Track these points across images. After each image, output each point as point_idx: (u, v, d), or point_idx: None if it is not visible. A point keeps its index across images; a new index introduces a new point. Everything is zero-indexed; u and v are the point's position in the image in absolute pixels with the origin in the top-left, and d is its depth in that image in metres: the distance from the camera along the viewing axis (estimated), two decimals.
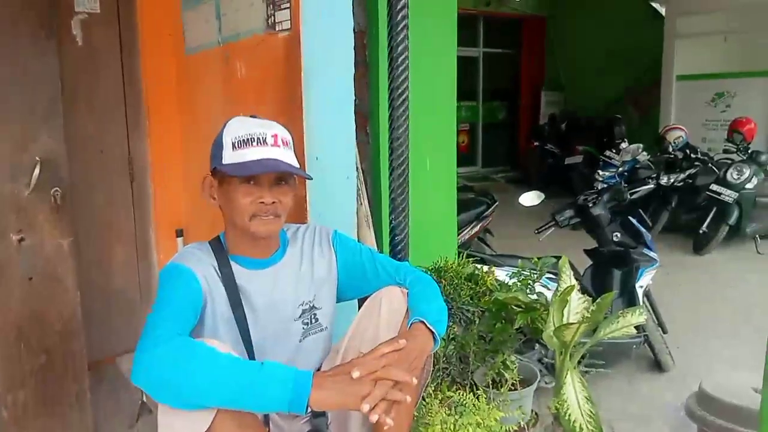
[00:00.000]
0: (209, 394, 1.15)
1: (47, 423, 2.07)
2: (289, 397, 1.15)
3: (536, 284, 2.23)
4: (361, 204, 2.19)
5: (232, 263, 1.48)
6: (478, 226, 4.09)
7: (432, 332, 1.41)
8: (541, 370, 2.67)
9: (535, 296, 2.15)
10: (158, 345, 1.18)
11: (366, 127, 2.41)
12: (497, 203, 4.28)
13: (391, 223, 1.94)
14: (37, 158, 1.96)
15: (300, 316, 1.54)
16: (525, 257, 3.09)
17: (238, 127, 1.43)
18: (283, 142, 1.44)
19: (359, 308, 2.01)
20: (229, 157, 1.40)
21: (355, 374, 1.20)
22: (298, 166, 1.46)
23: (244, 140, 1.40)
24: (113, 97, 2.36)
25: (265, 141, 1.41)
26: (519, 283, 2.16)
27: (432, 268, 2.25)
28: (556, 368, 2.02)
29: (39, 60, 1.94)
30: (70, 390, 2.10)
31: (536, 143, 9.02)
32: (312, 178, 1.50)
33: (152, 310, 1.32)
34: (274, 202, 1.42)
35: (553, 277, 2.45)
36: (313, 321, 1.56)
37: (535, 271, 2.25)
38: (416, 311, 1.44)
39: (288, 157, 1.44)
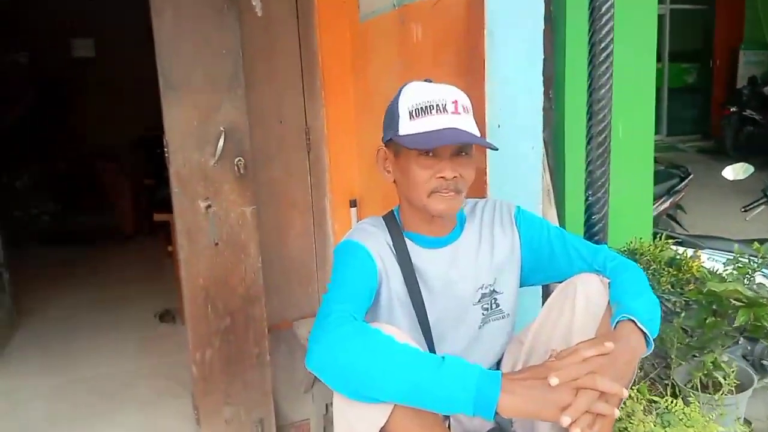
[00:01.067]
0: (384, 387, 1.05)
1: (230, 381, 2.16)
2: (473, 400, 1.01)
3: (756, 274, 1.87)
4: (542, 177, 1.99)
5: (407, 240, 1.38)
6: (668, 202, 3.68)
7: (644, 333, 1.18)
8: (742, 367, 2.32)
9: (755, 288, 1.81)
10: (333, 330, 1.10)
11: (548, 91, 2.18)
12: (692, 176, 3.81)
13: (587, 199, 1.71)
14: (222, 128, 2.02)
15: (479, 301, 1.40)
16: (732, 239, 2.69)
17: (414, 93, 1.30)
18: (464, 109, 1.29)
19: (543, 295, 1.84)
20: (406, 127, 1.28)
21: (554, 381, 1.03)
22: (479, 134, 1.30)
23: (421, 108, 1.27)
24: (291, 68, 2.37)
25: (445, 108, 1.27)
26: (735, 272, 1.82)
27: (625, 251, 1.99)
28: None
29: (221, 31, 1.97)
30: (251, 352, 2.18)
31: (733, 109, 8.03)
32: (498, 149, 1.33)
33: (327, 290, 1.25)
34: (455, 177, 1.27)
35: None
36: (494, 306, 1.41)
37: (755, 259, 1.89)
38: (623, 307, 1.21)
39: (470, 125, 1.28)
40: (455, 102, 1.28)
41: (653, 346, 1.20)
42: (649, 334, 1.18)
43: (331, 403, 1.95)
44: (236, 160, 2.06)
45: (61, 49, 6.59)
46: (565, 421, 1.00)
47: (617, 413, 1.04)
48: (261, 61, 2.29)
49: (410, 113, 1.27)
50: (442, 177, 1.27)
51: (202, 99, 1.99)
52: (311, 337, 1.12)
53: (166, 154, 2.01)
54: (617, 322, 1.19)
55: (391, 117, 1.32)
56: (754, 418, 2.01)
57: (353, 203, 2.47)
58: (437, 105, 1.27)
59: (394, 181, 1.38)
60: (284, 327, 2.47)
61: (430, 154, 1.27)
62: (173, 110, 1.98)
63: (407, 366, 1.04)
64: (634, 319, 1.18)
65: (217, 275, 2.10)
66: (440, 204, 1.29)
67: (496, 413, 1.02)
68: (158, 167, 2.02)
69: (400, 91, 1.33)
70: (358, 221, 2.46)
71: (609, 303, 1.28)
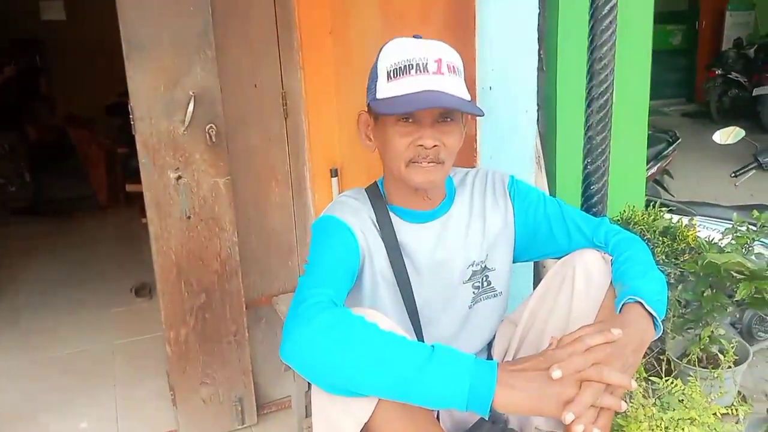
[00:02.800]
0: (367, 382, 0.94)
1: (207, 360, 2.09)
2: (467, 395, 0.91)
3: (754, 244, 1.80)
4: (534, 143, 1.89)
5: (392, 215, 1.26)
6: (656, 167, 3.61)
7: (652, 317, 1.08)
8: (737, 339, 2.28)
9: (754, 259, 1.74)
10: (311, 317, 0.98)
11: (539, 51, 2.07)
12: (679, 140, 3.74)
13: (586, 167, 1.60)
14: (191, 93, 1.89)
15: (470, 279, 1.29)
16: (724, 206, 2.63)
17: (394, 51, 1.17)
18: (449, 68, 1.15)
19: (534, 271, 1.75)
20: (384, 90, 1.16)
21: (556, 374, 0.93)
22: (468, 98, 1.17)
23: (400, 68, 1.14)
24: (265, 27, 2.21)
25: (425, 68, 1.14)
26: (734, 243, 1.74)
27: (618, 219, 1.90)
28: None
29: None
30: (228, 329, 2.10)
31: (717, 72, 7.96)
32: (483, 114, 1.20)
33: (304, 271, 1.14)
34: (435, 146, 1.15)
35: None
36: (485, 285, 1.31)
37: (752, 227, 1.82)
38: (629, 287, 1.11)
39: (455, 86, 1.15)
40: (438, 61, 1.15)
41: (662, 329, 1.10)
42: (657, 317, 1.08)
43: None
44: (207, 127, 1.94)
45: (29, 11, 6.32)
46: (569, 417, 0.91)
47: (624, 406, 0.95)
48: (233, 20, 2.13)
49: (388, 73, 1.15)
50: (420, 145, 1.15)
51: (169, 61, 1.86)
52: (286, 326, 1.01)
53: (132, 122, 1.89)
54: (624, 304, 1.09)
55: (372, 78, 1.20)
56: (742, 386, 1.97)
57: (334, 172, 2.35)
58: (417, 64, 1.14)
59: (378, 149, 1.25)
60: (264, 302, 2.37)
61: (410, 120, 1.15)
62: (138, 74, 1.85)
63: (393, 358, 0.94)
64: (642, 301, 1.07)
65: (189, 250, 2.00)
66: (418, 175, 1.18)
67: (492, 409, 0.92)
68: (132, 135, 1.90)
69: (381, 48, 1.20)
70: (339, 191, 2.35)
71: (612, 282, 1.18)
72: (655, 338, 1.10)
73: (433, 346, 0.96)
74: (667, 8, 9.40)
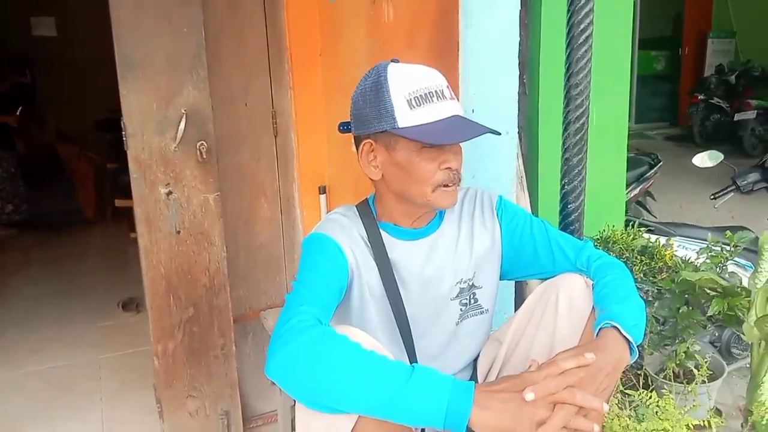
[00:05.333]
0: (348, 400, 0.97)
1: (194, 373, 2.10)
2: (444, 413, 0.94)
3: (728, 263, 1.86)
4: (516, 164, 1.95)
5: (382, 232, 1.29)
6: (638, 189, 3.68)
7: (628, 341, 1.11)
8: (713, 355, 2.34)
9: (727, 277, 1.80)
10: (296, 335, 1.01)
11: (522, 77, 2.14)
12: (661, 163, 3.82)
13: (563, 187, 1.66)
14: (183, 111, 1.93)
15: (457, 296, 1.32)
16: (702, 227, 2.70)
17: (406, 79, 1.18)
18: (452, 94, 1.22)
19: (516, 290, 1.79)
20: (408, 118, 1.16)
21: (529, 396, 0.96)
22: None
23: (421, 96, 1.16)
24: (257, 48, 2.27)
25: (443, 94, 1.18)
26: (708, 261, 1.81)
27: (597, 238, 1.96)
28: (752, 363, 1.69)
29: (183, 9, 1.87)
30: (216, 342, 2.11)
31: (700, 97, 8.12)
32: (500, 134, 1.25)
33: (292, 288, 1.16)
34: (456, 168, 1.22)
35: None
36: (473, 302, 1.34)
37: (727, 248, 1.88)
38: (606, 311, 1.14)
39: (461, 110, 1.22)
40: (447, 87, 1.21)
41: (637, 354, 1.14)
42: (633, 342, 1.12)
43: None
44: (198, 144, 1.98)
45: (20, 27, 6.34)
46: None
47: (597, 429, 0.98)
48: (225, 40, 2.19)
49: (409, 102, 1.16)
50: (448, 168, 1.20)
51: (162, 80, 1.90)
52: (271, 344, 1.04)
53: (124, 138, 1.92)
54: (600, 329, 1.13)
55: (380, 106, 1.18)
56: (720, 403, 2.02)
57: (322, 190, 2.40)
58: (435, 92, 1.18)
59: (382, 177, 1.26)
60: (251, 317, 2.39)
61: (434, 146, 1.18)
62: (131, 92, 1.88)
63: (374, 377, 0.97)
64: (618, 326, 1.11)
65: (179, 264, 2.02)
66: (446, 199, 1.22)
67: (468, 428, 0.96)
68: (122, 151, 1.93)
69: (381, 75, 1.20)
70: (328, 209, 2.39)
71: (593, 306, 1.22)
72: (631, 362, 1.13)
73: (413, 366, 0.99)
74: (652, 35, 9.61)
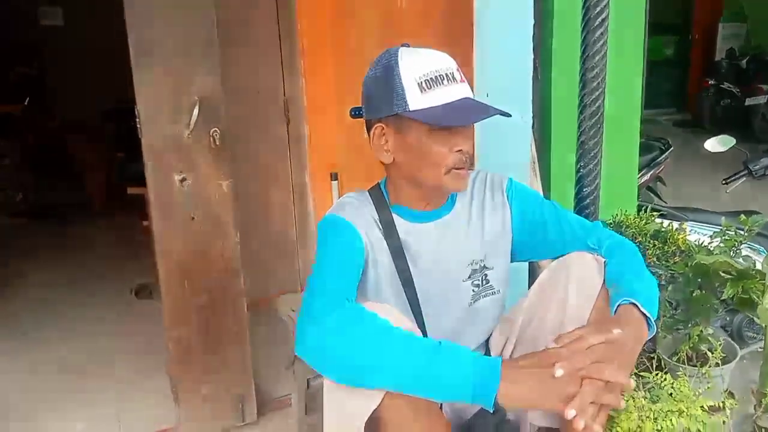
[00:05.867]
0: (379, 376, 0.99)
1: (208, 359, 2.12)
2: (472, 388, 0.97)
3: (742, 246, 1.86)
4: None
5: (394, 215, 1.30)
6: (649, 174, 3.65)
7: (646, 317, 1.13)
8: (726, 339, 2.33)
9: (741, 261, 1.80)
10: (325, 314, 1.03)
11: (535, 60, 2.13)
12: (672, 148, 3.80)
13: (578, 171, 1.65)
14: (196, 98, 1.93)
15: (470, 277, 1.34)
16: (714, 212, 2.69)
17: (416, 62, 1.19)
18: (462, 77, 1.22)
19: (529, 271, 1.80)
20: (419, 101, 1.17)
21: (559, 372, 0.98)
22: None
23: (432, 79, 1.17)
24: (268, 35, 2.28)
25: (453, 77, 1.19)
26: (722, 245, 1.81)
27: (610, 223, 1.96)
28: (765, 347, 1.69)
29: None
30: (230, 329, 2.13)
31: (710, 82, 8.05)
32: (511, 115, 1.24)
33: (313, 271, 1.17)
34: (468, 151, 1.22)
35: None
36: (484, 283, 1.35)
37: (740, 232, 1.88)
38: (623, 290, 1.16)
39: (471, 92, 1.22)
40: (458, 70, 1.22)
41: (655, 329, 1.15)
42: (651, 318, 1.14)
43: (313, 378, 1.92)
44: (212, 131, 1.99)
45: (28, 17, 6.34)
46: (571, 413, 0.96)
47: (623, 404, 1.00)
48: (237, 27, 2.19)
49: (419, 85, 1.17)
50: (460, 150, 1.21)
51: (175, 67, 1.91)
52: (300, 323, 1.06)
53: (138, 126, 1.93)
54: (619, 306, 1.14)
55: (391, 90, 1.19)
56: (732, 387, 2.02)
57: (334, 176, 2.41)
58: (446, 74, 1.19)
59: (394, 160, 1.26)
60: (265, 303, 2.41)
61: (445, 128, 1.19)
62: (145, 79, 1.89)
63: (404, 354, 0.99)
64: (637, 303, 1.13)
65: (193, 251, 2.04)
66: (458, 182, 1.23)
67: (496, 402, 0.97)
68: (129, 140, 1.93)
69: (391, 59, 1.21)
70: (339, 195, 2.40)
71: (604, 283, 1.23)
72: (649, 338, 1.15)
73: (440, 342, 1.01)
74: (661, 20, 9.49)
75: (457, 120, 1.18)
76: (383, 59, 1.23)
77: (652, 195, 3.76)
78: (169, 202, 1.98)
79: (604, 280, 1.24)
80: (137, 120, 1.93)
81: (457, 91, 1.19)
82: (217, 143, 2.00)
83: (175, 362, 2.09)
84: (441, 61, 1.21)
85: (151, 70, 1.88)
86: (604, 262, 1.27)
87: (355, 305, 1.08)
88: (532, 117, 1.93)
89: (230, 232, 2.07)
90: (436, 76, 1.18)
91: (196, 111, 1.94)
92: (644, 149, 3.60)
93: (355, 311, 1.05)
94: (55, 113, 6.24)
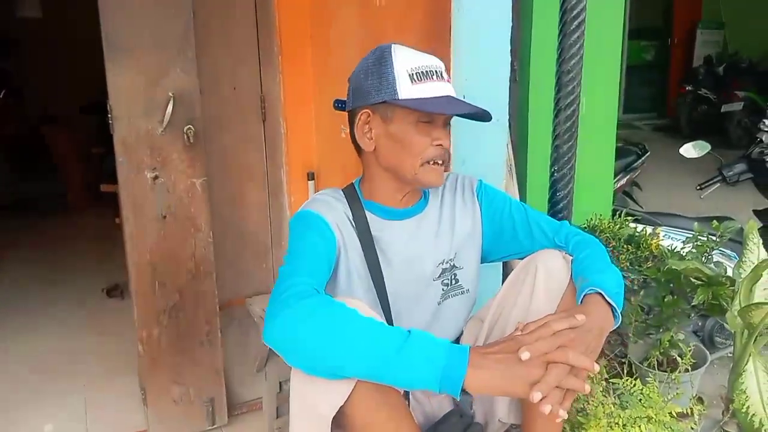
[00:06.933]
0: (347, 362, 0.99)
1: (179, 360, 2.08)
2: (440, 375, 0.96)
3: (714, 253, 1.87)
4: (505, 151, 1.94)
5: (367, 212, 1.32)
6: (625, 179, 3.69)
7: (611, 307, 1.16)
8: (696, 345, 2.35)
9: (713, 267, 1.82)
10: (295, 302, 1.03)
11: (513, 63, 2.12)
12: (648, 153, 3.84)
13: (552, 175, 1.65)
14: (170, 93, 1.90)
15: (439, 276, 1.35)
16: (688, 217, 2.71)
17: (410, 56, 1.25)
18: (449, 77, 1.29)
19: (504, 273, 1.80)
20: (409, 91, 1.22)
21: (525, 355, 0.98)
22: None
23: (423, 72, 1.23)
24: (246, 30, 2.24)
25: (441, 75, 1.25)
26: (694, 251, 1.82)
27: (585, 227, 1.97)
28: (735, 353, 1.71)
29: None
30: (201, 329, 2.10)
31: (688, 88, 8.15)
32: (491, 120, 1.30)
33: (284, 262, 1.18)
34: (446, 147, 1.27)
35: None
36: (454, 282, 1.37)
37: (712, 237, 1.90)
38: (589, 281, 1.19)
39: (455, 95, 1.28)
40: (446, 70, 1.27)
41: (620, 319, 1.18)
42: (616, 307, 1.17)
43: (285, 381, 1.90)
44: (186, 128, 1.95)
45: (3, 8, 6.22)
46: (536, 396, 0.96)
47: (588, 388, 1.00)
48: (214, 22, 2.16)
49: (411, 76, 1.22)
50: (440, 145, 1.25)
51: (149, 61, 1.87)
52: (269, 311, 1.05)
53: (110, 121, 1.89)
54: (584, 295, 1.17)
55: (382, 78, 1.24)
56: (701, 392, 2.04)
57: (311, 176, 2.38)
58: (435, 71, 1.24)
59: (374, 150, 1.29)
60: (237, 304, 2.38)
61: (429, 122, 1.24)
62: (118, 74, 1.85)
63: (372, 340, 0.99)
64: (602, 292, 1.15)
65: (164, 250, 2.01)
66: (433, 176, 1.27)
67: (463, 390, 0.97)
68: (108, 135, 1.90)
69: (385, 52, 1.25)
70: None
71: (572, 279, 1.25)
72: (615, 327, 1.18)
73: (409, 330, 1.01)
74: (642, 24, 9.60)
75: (443, 109, 1.23)
76: (377, 51, 1.28)
77: (628, 199, 3.79)
78: (141, 200, 1.95)
79: (570, 278, 1.26)
80: (109, 115, 1.89)
81: (445, 88, 1.24)
82: (192, 140, 1.96)
83: (144, 364, 2.06)
84: (432, 59, 1.27)
85: (125, 65, 1.84)
86: (571, 259, 1.29)
87: (324, 295, 1.08)
88: (510, 119, 1.93)
89: (203, 231, 2.04)
90: (426, 71, 1.23)
91: (170, 107, 1.90)
92: (621, 154, 3.63)
93: (324, 300, 1.05)
94: (33, 106, 6.12)
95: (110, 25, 1.81)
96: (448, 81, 1.26)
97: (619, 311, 1.17)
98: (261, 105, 2.32)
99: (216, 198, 2.20)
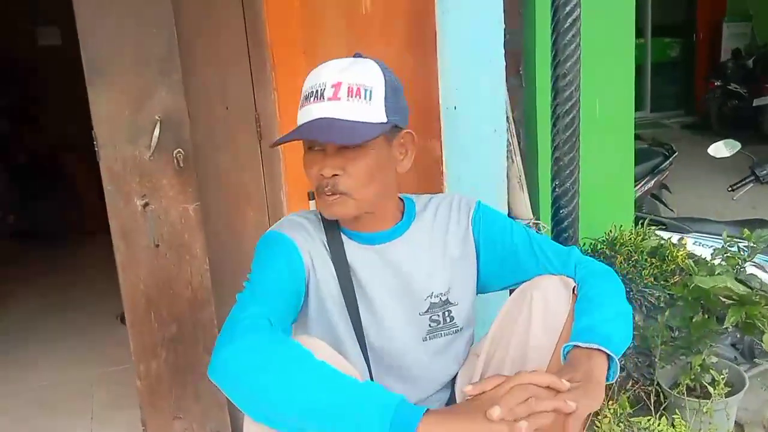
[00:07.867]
0: (288, 409, 0.89)
1: (180, 393, 2.01)
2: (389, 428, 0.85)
3: (746, 264, 1.70)
4: (513, 162, 1.80)
5: (342, 235, 1.20)
6: (653, 182, 3.52)
7: (608, 356, 1.01)
8: (736, 357, 2.17)
9: (746, 280, 1.64)
10: (241, 336, 0.94)
11: (519, 68, 2.00)
12: (676, 154, 3.65)
13: (554, 189, 1.49)
14: (157, 117, 1.83)
15: (427, 311, 1.22)
16: (720, 221, 2.54)
17: (308, 79, 1.15)
18: (349, 92, 1.08)
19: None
20: (298, 119, 1.14)
21: (495, 412, 0.86)
22: (377, 120, 1.09)
23: (305, 96, 1.13)
24: (235, 46, 2.14)
25: (321, 95, 1.08)
26: (724, 263, 1.65)
27: (603, 240, 1.81)
28: None
29: (152, 6, 1.77)
30: (201, 360, 2.01)
31: (717, 83, 7.89)
32: (356, 144, 1.08)
33: (244, 287, 1.09)
34: (335, 175, 1.10)
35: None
36: (447, 320, 1.23)
37: (744, 247, 1.72)
38: (593, 332, 1.04)
39: (352, 111, 1.07)
40: (337, 85, 1.09)
41: (616, 375, 1.02)
42: (615, 357, 1.01)
43: None
44: (175, 152, 1.88)
45: (25, 37, 6.32)
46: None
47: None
48: (200, 39, 2.07)
49: (301, 101, 1.14)
50: (321, 174, 1.11)
51: (132, 84, 1.81)
52: (217, 342, 0.97)
53: (96, 149, 1.83)
54: (570, 349, 1.04)
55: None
56: (743, 408, 1.86)
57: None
58: (315, 91, 1.10)
59: None
60: None
61: (316, 149, 1.12)
62: (101, 99, 1.80)
63: (318, 387, 0.89)
64: (601, 347, 1.01)
65: (159, 279, 1.93)
66: (324, 207, 1.14)
67: None
68: None
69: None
70: None
71: (572, 309, 1.12)
72: (611, 381, 1.03)
73: (366, 382, 0.92)
74: (664, 21, 9.37)
75: (285, 138, 1.13)
76: None
77: (658, 204, 3.61)
78: (132, 229, 1.89)
79: (572, 308, 1.13)
80: (95, 143, 1.83)
81: (319, 109, 1.09)
82: (182, 164, 1.89)
83: (145, 397, 1.98)
84: (320, 76, 1.12)
85: (106, 88, 1.79)
86: (573, 287, 1.16)
87: (276, 331, 0.99)
88: (517, 127, 1.80)
89: (199, 258, 1.96)
90: (307, 93, 1.12)
91: (157, 130, 1.84)
92: (647, 156, 3.47)
93: (273, 336, 0.96)
94: (51, 133, 6.19)
95: (90, 48, 1.76)
96: (332, 98, 1.08)
97: (617, 359, 1.02)
98: (256, 124, 2.22)
99: (212, 223, 2.11)
